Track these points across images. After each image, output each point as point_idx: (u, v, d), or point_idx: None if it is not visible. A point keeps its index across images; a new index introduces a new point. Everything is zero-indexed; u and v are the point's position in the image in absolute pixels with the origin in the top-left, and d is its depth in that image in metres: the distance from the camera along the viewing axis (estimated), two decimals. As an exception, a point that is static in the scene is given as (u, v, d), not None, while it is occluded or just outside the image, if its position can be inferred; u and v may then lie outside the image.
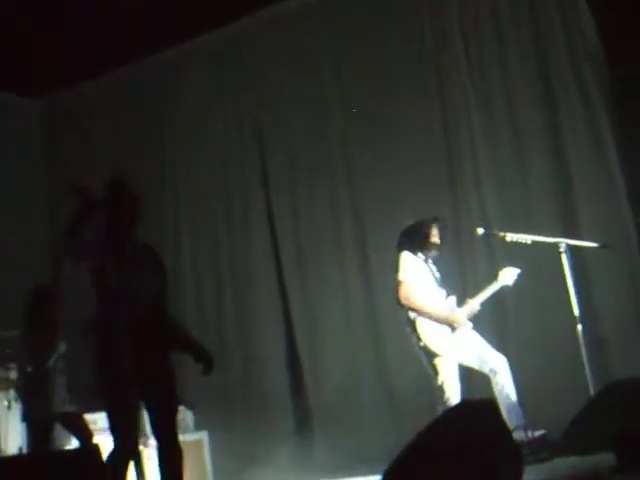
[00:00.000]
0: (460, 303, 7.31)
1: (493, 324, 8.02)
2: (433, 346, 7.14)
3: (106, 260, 5.22)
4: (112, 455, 5.21)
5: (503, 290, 7.43)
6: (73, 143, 10.94)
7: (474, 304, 7.27)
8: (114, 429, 5.24)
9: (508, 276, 7.40)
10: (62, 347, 7.54)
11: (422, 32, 9.09)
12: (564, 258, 7.21)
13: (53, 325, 7.55)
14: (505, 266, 7.51)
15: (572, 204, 8.26)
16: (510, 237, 7.39)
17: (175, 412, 5.55)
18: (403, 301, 7.22)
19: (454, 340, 7.17)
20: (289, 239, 9.70)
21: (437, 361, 7.12)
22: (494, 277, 7.47)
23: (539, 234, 7.34)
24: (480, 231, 7.58)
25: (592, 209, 8.14)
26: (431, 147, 8.93)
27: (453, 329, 7.19)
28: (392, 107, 9.03)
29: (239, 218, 10.04)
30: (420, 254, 7.36)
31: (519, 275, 7.39)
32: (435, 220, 7.41)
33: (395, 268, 7.27)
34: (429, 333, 7.16)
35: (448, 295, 7.34)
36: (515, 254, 7.75)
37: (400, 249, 7.35)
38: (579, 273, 7.54)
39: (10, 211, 10.44)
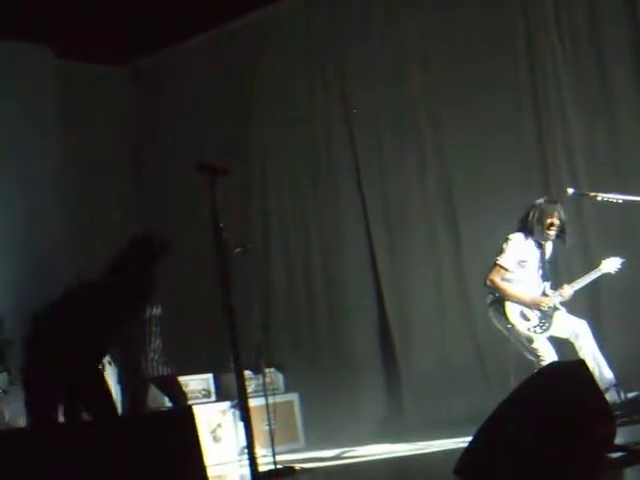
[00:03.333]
0: (556, 287, 7.26)
1: (586, 288, 7.93)
2: (519, 325, 7.13)
3: None
4: None
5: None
6: (157, 110, 11.05)
7: (568, 291, 7.19)
8: None
9: (610, 265, 7.26)
10: (158, 310, 7.63)
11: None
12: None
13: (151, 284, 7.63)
14: (597, 231, 7.40)
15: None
16: (601, 197, 7.27)
17: None
18: (488, 283, 7.22)
19: (540, 321, 7.15)
20: (377, 201, 9.69)
21: (530, 335, 7.11)
22: (584, 243, 7.36)
23: (631, 194, 7.21)
24: (570, 191, 7.45)
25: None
26: (519, 109, 8.81)
27: (539, 312, 7.15)
28: (478, 62, 8.91)
29: (326, 181, 10.05)
30: (534, 237, 7.25)
31: (622, 264, 7.26)
32: (558, 207, 7.27)
33: (500, 249, 7.23)
34: (514, 313, 7.16)
35: (545, 281, 7.28)
36: (606, 215, 7.64)
37: (515, 231, 7.29)
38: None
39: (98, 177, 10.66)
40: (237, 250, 7.36)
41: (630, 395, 6.94)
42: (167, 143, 10.93)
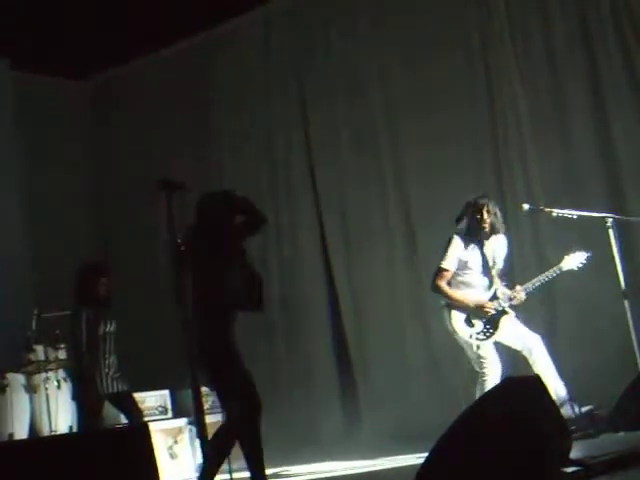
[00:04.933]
0: (511, 288, 7.26)
1: (540, 300, 7.98)
2: (461, 332, 7.15)
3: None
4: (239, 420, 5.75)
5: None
6: (119, 124, 11.01)
7: (520, 293, 7.19)
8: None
9: (573, 260, 7.22)
10: (113, 326, 7.60)
11: (466, 2, 9.02)
12: (611, 233, 7.15)
13: (103, 304, 7.60)
14: (552, 243, 7.44)
15: (618, 179, 8.18)
16: (556, 213, 7.33)
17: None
18: (433, 288, 7.26)
19: (485, 327, 7.16)
20: (335, 217, 9.71)
21: (472, 343, 7.13)
22: (539, 255, 7.40)
23: (585, 210, 7.29)
24: (525, 207, 7.50)
25: (639, 184, 8.05)
26: (474, 118, 8.89)
27: (484, 318, 7.16)
28: (435, 78, 8.98)
29: (283, 192, 10.06)
30: (472, 237, 7.27)
31: (587, 259, 7.23)
32: (487, 201, 7.27)
33: (443, 251, 7.25)
34: (458, 319, 7.17)
35: (493, 281, 7.28)
36: (561, 230, 7.70)
37: (452, 234, 7.31)
38: (626, 248, 7.47)
39: (58, 195, 10.56)
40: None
41: (584, 409, 6.98)
42: (126, 160, 10.87)
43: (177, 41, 10.40)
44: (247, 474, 5.95)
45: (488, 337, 7.14)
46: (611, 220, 7.20)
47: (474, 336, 7.13)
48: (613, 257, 7.11)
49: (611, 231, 7.15)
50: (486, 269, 7.28)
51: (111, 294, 7.64)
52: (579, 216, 7.24)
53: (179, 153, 10.52)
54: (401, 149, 9.34)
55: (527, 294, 7.21)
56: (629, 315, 7.02)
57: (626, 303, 7.06)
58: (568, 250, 7.25)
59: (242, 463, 5.83)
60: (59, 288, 8.03)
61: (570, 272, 7.23)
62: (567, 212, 7.28)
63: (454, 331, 7.18)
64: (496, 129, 8.81)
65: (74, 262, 7.86)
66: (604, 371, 7.60)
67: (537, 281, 7.23)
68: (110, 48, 10.09)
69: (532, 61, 8.65)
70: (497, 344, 7.20)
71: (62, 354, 8.25)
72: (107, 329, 7.55)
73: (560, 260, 7.22)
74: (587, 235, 7.51)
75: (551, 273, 7.22)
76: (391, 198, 9.40)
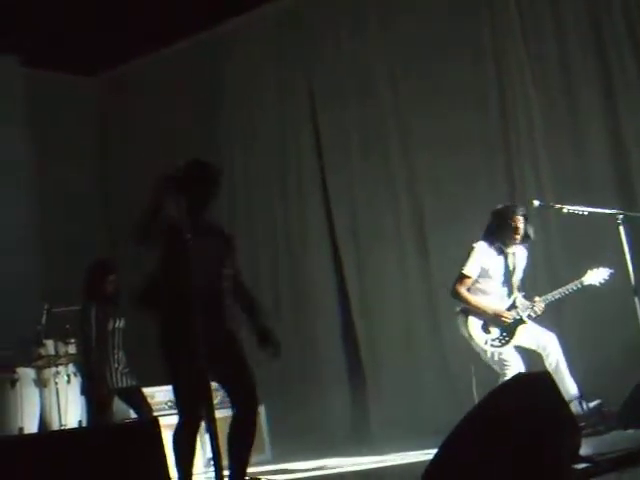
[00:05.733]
0: (529, 298, 7.26)
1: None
2: (477, 338, 7.16)
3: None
4: (178, 428, 5.49)
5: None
6: (128, 122, 11.02)
7: (539, 304, 7.18)
8: (181, 401, 5.52)
9: (596, 276, 7.20)
10: (121, 322, 7.63)
11: (479, 3, 9.01)
12: (622, 229, 7.14)
13: (112, 300, 7.64)
14: (563, 242, 7.42)
15: (629, 175, 8.16)
16: (567, 209, 7.31)
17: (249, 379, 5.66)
18: (453, 293, 7.26)
19: (501, 335, 7.16)
20: (346, 218, 9.72)
21: (487, 350, 7.13)
22: (549, 252, 7.39)
23: (596, 206, 7.27)
24: (536, 203, 7.48)
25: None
26: (485, 120, 8.88)
27: (501, 326, 7.16)
28: (446, 80, 8.97)
29: (294, 191, 10.06)
30: (499, 245, 7.26)
31: (610, 276, 7.22)
32: (519, 210, 7.26)
33: (464, 259, 7.24)
34: (475, 325, 7.19)
35: (513, 292, 7.27)
36: (571, 226, 7.69)
37: (479, 240, 7.29)
38: (636, 244, 7.45)
39: (67, 192, 10.58)
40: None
41: (592, 404, 6.98)
42: (135, 155, 10.89)
43: (188, 38, 10.39)
44: (254, 469, 5.93)
45: (503, 345, 7.14)
46: (622, 217, 7.19)
47: (489, 342, 7.14)
48: (624, 253, 7.10)
49: (622, 228, 7.14)
50: (507, 278, 7.28)
51: (119, 291, 7.67)
52: (590, 213, 7.22)
53: (189, 152, 10.50)
54: (412, 150, 9.34)
55: (546, 305, 7.21)
56: (639, 311, 7.00)
57: (636, 299, 7.04)
58: (592, 265, 7.24)
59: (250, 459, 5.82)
60: (69, 284, 8.05)
61: (590, 287, 7.21)
62: (577, 208, 7.26)
63: (470, 337, 7.18)
64: (508, 132, 8.80)
65: (84, 260, 7.90)
66: (614, 368, 7.60)
67: (557, 294, 7.23)
68: (120, 45, 10.11)
69: (544, 64, 8.63)
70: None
71: (72, 349, 8.27)
72: (116, 325, 7.59)
73: (583, 274, 7.21)
74: (597, 232, 7.49)
75: (572, 287, 7.21)
76: (402, 199, 9.40)
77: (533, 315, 7.21)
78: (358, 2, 9.73)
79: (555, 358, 7.07)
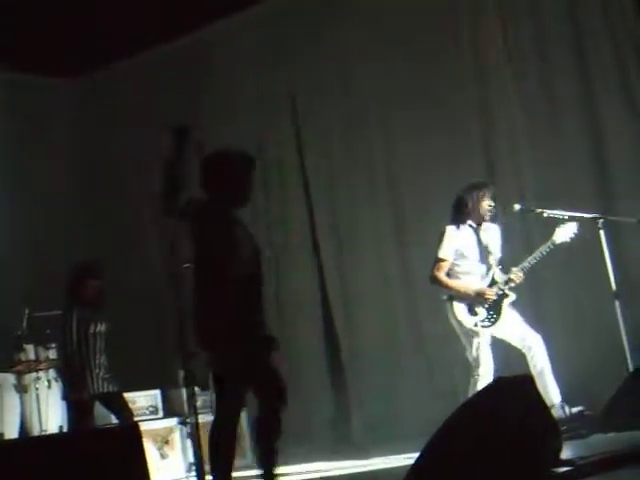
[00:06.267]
0: (506, 271, 7.25)
1: (531, 300, 7.97)
2: (466, 322, 7.15)
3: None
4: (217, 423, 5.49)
5: (543, 263, 7.26)
6: (108, 122, 10.99)
7: (517, 273, 7.17)
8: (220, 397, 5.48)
9: (565, 232, 7.17)
10: (103, 326, 7.60)
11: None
12: (602, 234, 7.16)
13: (95, 303, 7.61)
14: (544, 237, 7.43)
15: (609, 180, 8.20)
16: (547, 213, 7.34)
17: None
18: (432, 279, 7.26)
19: (488, 314, 7.17)
20: (325, 206, 9.72)
21: (471, 335, 7.13)
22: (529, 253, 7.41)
23: (576, 210, 7.30)
24: (517, 207, 7.50)
25: (630, 184, 8.07)
26: (466, 121, 8.90)
27: (486, 304, 7.17)
28: (427, 73, 8.99)
29: (276, 191, 10.07)
30: (469, 223, 7.27)
31: (575, 234, 7.17)
32: (485, 186, 7.30)
33: (437, 243, 7.25)
34: (461, 310, 7.18)
35: (490, 268, 7.28)
36: (551, 231, 7.72)
37: (448, 223, 7.30)
38: (617, 249, 7.48)
39: (44, 194, 10.53)
40: (187, 265, 7.32)
41: (575, 410, 6.99)
42: (117, 160, 10.85)
43: (167, 40, 10.35)
44: (236, 474, 5.92)
45: (493, 323, 7.14)
46: (602, 221, 7.21)
47: (479, 324, 7.12)
48: (604, 258, 7.12)
49: (602, 232, 7.17)
50: (482, 255, 7.29)
51: (102, 295, 7.64)
52: (570, 217, 7.25)
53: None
54: (393, 149, 9.34)
55: (524, 273, 7.20)
56: (620, 316, 7.03)
57: (617, 304, 7.07)
58: (558, 223, 7.22)
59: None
60: (50, 288, 8.02)
61: (562, 246, 7.17)
62: (557, 212, 7.29)
63: (458, 322, 7.16)
64: (487, 127, 8.83)
65: (65, 262, 7.87)
66: (595, 372, 7.63)
67: (532, 259, 7.21)
68: (101, 47, 10.05)
69: (524, 60, 8.65)
70: (494, 343, 7.21)
71: (53, 354, 8.25)
72: (97, 329, 7.55)
73: (551, 234, 7.19)
74: (578, 236, 7.51)
75: (545, 249, 7.18)
76: (383, 197, 9.40)
77: (514, 285, 7.19)
78: (339, 1, 9.74)
79: (540, 361, 7.07)
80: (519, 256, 7.48)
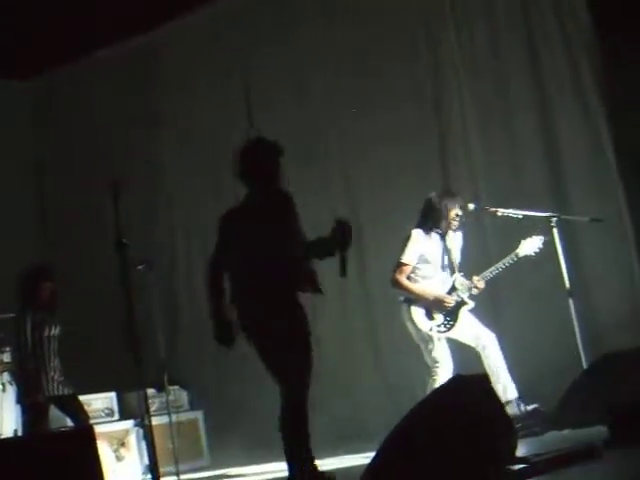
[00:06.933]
0: (468, 278, 7.29)
1: (486, 298, 8.01)
2: (422, 325, 7.19)
3: None
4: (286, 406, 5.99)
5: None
6: (62, 124, 10.90)
7: (478, 283, 7.23)
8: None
9: (530, 246, 7.21)
10: (57, 329, 7.54)
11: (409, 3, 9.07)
12: (555, 232, 7.23)
13: (47, 307, 7.54)
14: (500, 240, 7.48)
15: (563, 179, 8.27)
16: (501, 212, 7.39)
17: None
18: (392, 282, 7.27)
19: (445, 319, 7.20)
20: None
21: (427, 338, 7.16)
22: (484, 253, 7.45)
23: (530, 210, 7.36)
24: (471, 206, 7.53)
25: (583, 183, 8.16)
26: (421, 123, 8.94)
27: (444, 310, 7.21)
28: (380, 74, 9.01)
29: (229, 191, 10.02)
30: (437, 230, 7.31)
31: (544, 243, 7.21)
32: (454, 195, 7.34)
33: (401, 247, 7.27)
34: (418, 313, 7.21)
35: (451, 274, 7.31)
36: (506, 229, 7.78)
37: (414, 227, 7.33)
38: (570, 247, 7.55)
39: (1, 196, 10.43)
40: (140, 266, 7.30)
41: (530, 407, 7.05)
42: (70, 160, 10.77)
43: (121, 40, 10.29)
44: (193, 475, 5.91)
45: (449, 329, 7.18)
46: (555, 219, 7.27)
47: (435, 329, 7.16)
48: (557, 256, 7.19)
49: (555, 230, 7.23)
50: (445, 262, 7.32)
51: (56, 297, 7.58)
52: (524, 216, 7.30)
53: (123, 153, 10.44)
54: (347, 149, 9.36)
55: (486, 282, 7.25)
56: (573, 313, 7.09)
57: (570, 302, 7.14)
58: (524, 235, 7.26)
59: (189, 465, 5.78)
60: (1, 290, 7.94)
61: (526, 259, 7.23)
62: (512, 212, 7.35)
63: (414, 326, 7.19)
64: (442, 130, 8.87)
65: (18, 265, 7.79)
66: (549, 369, 7.68)
67: (495, 269, 7.27)
68: (53, 48, 9.97)
69: (477, 61, 8.72)
70: (450, 342, 7.24)
71: (7, 357, 8.16)
72: (51, 332, 7.49)
73: (516, 246, 7.23)
74: (531, 234, 7.57)
75: (508, 260, 7.23)
76: (338, 199, 9.39)
77: (474, 293, 7.24)
78: (293, 2, 9.74)
79: (494, 359, 7.11)
80: (474, 256, 7.55)
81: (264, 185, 5.88)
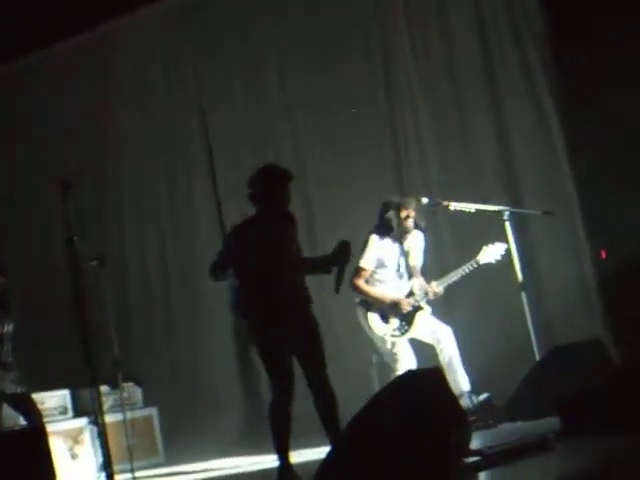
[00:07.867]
0: (426, 284, 7.33)
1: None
2: (376, 329, 7.23)
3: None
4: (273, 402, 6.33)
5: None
6: (7, 120, 10.75)
7: (436, 288, 7.26)
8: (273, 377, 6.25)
9: (491, 253, 7.26)
10: (10, 326, 7.45)
11: (364, 3, 9.08)
12: (507, 226, 7.28)
13: (1, 302, 7.46)
14: (451, 238, 7.52)
15: (515, 173, 8.33)
16: (454, 206, 7.43)
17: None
18: (351, 286, 7.27)
19: (400, 324, 7.24)
20: (234, 207, 9.64)
21: (387, 340, 7.19)
22: (439, 248, 7.49)
23: (483, 203, 7.40)
24: (424, 200, 7.55)
25: (534, 177, 8.22)
26: (374, 118, 8.96)
27: (400, 314, 7.23)
28: (333, 79, 9.02)
29: (182, 190, 10.00)
30: (393, 235, 7.32)
31: (506, 250, 7.28)
32: (411, 200, 7.35)
33: (359, 252, 7.26)
34: (374, 316, 7.26)
35: (409, 279, 7.34)
36: (459, 223, 7.82)
37: (371, 232, 7.35)
38: (522, 240, 7.62)
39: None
40: (93, 262, 7.23)
41: (481, 398, 7.09)
42: (19, 157, 10.64)
43: (73, 35, 10.18)
44: (147, 472, 5.90)
45: (403, 334, 7.22)
46: (507, 213, 7.33)
47: (389, 333, 7.20)
48: (510, 249, 7.24)
49: (507, 224, 7.28)
50: (402, 266, 7.35)
51: (8, 294, 7.50)
52: (476, 209, 7.35)
53: (74, 151, 10.36)
54: (301, 148, 9.35)
55: (444, 288, 7.29)
56: (526, 306, 7.16)
57: (523, 295, 7.20)
58: (486, 241, 7.31)
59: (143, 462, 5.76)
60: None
61: (487, 266, 7.29)
62: (465, 205, 7.39)
63: (369, 328, 7.24)
64: (396, 132, 8.89)
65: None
66: (502, 362, 7.73)
67: (454, 275, 7.30)
68: (4, 41, 9.85)
69: (431, 60, 8.76)
70: (411, 339, 7.28)
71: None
72: (4, 329, 7.39)
73: (477, 253, 7.29)
74: (484, 229, 7.62)
75: (468, 267, 7.28)
76: (293, 198, 9.38)
77: (432, 299, 7.28)
78: (248, 1, 9.71)
79: (449, 352, 7.16)
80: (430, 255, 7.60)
81: (274, 208, 6.24)
